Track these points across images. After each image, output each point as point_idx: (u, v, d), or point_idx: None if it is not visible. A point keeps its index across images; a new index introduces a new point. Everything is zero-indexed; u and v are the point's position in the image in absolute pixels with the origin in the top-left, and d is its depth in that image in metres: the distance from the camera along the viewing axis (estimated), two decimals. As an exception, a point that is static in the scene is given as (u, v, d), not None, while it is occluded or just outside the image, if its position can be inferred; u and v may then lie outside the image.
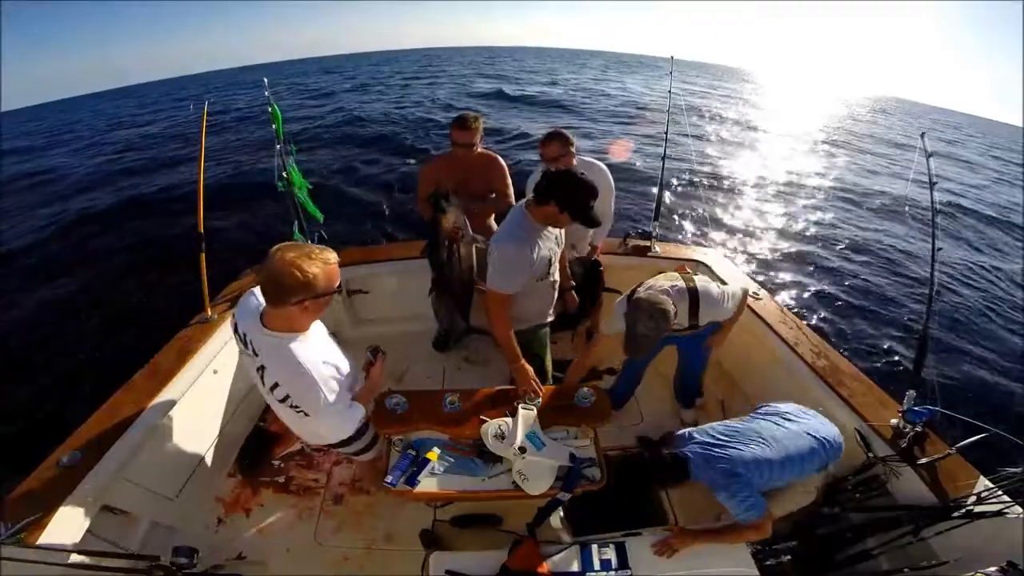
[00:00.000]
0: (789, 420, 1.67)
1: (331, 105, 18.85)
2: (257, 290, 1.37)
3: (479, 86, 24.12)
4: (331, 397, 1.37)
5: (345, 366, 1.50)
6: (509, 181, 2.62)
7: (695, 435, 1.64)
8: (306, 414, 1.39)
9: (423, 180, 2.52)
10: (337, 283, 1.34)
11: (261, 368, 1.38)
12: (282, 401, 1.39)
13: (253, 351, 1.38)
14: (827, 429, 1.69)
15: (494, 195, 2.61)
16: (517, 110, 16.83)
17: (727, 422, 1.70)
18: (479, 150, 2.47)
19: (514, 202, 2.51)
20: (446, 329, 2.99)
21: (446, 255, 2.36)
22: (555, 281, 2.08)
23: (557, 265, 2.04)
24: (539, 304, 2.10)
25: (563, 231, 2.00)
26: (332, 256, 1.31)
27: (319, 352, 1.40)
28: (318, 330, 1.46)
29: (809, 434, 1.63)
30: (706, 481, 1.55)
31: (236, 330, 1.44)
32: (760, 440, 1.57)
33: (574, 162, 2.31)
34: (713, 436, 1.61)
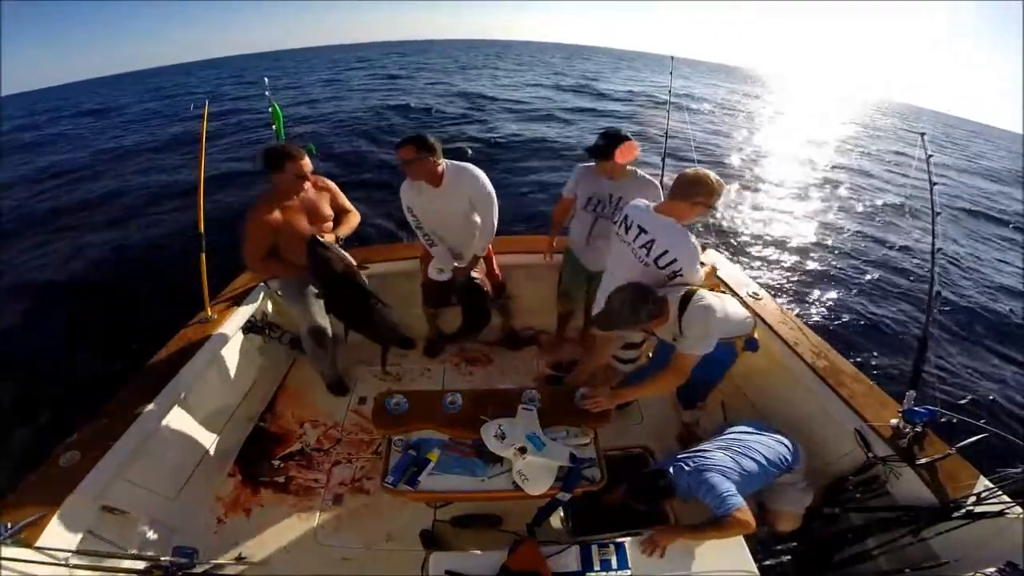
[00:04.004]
0: (748, 433, 1.88)
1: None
2: (637, 201, 1.95)
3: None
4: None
5: None
6: (342, 194, 2.45)
7: (666, 460, 1.82)
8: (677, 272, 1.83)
9: (256, 233, 2.16)
10: (716, 203, 1.84)
11: (645, 237, 1.85)
12: (656, 260, 1.83)
13: (639, 227, 1.87)
14: (781, 437, 1.90)
15: (334, 218, 2.38)
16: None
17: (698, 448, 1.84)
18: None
19: (356, 213, 2.47)
20: (338, 377, 2.81)
21: (354, 294, 2.20)
22: (594, 222, 2.38)
23: (605, 222, 2.32)
24: (576, 229, 2.50)
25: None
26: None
27: None
28: None
29: (773, 440, 1.85)
30: (687, 488, 1.65)
31: (626, 218, 1.93)
32: (728, 448, 1.76)
33: (440, 168, 2.21)
34: (684, 454, 1.78)
